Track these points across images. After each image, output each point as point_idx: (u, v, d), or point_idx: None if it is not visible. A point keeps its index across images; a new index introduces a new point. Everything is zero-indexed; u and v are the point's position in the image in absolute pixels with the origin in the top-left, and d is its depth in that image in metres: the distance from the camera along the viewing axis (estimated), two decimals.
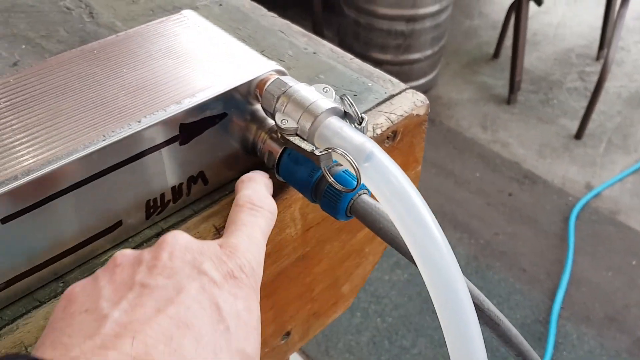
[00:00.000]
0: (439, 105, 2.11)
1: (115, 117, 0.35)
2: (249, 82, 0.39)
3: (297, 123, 0.37)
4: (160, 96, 0.36)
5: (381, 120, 0.48)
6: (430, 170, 1.82)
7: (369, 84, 0.51)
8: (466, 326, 0.35)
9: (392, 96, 0.50)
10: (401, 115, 0.49)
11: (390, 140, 0.49)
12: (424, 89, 2.12)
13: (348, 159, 0.35)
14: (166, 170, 0.37)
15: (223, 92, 0.37)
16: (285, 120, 0.37)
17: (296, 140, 0.37)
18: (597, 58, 2.30)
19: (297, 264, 0.48)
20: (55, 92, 0.36)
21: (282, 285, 0.48)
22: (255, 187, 0.38)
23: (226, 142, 0.40)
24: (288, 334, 0.53)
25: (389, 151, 0.43)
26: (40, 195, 0.32)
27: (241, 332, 0.29)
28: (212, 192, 0.42)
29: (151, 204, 0.38)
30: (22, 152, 0.32)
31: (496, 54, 2.35)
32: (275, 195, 0.42)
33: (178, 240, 0.31)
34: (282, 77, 0.39)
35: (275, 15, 0.61)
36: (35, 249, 0.34)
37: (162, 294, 0.27)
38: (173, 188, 0.39)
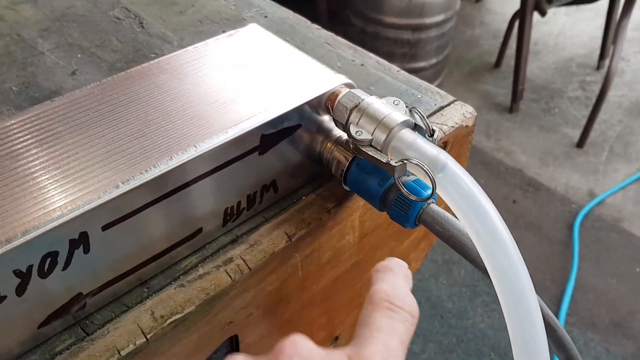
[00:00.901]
0: None
1: (202, 128, 0.36)
2: (322, 95, 0.40)
3: (372, 135, 0.38)
4: (240, 109, 0.38)
5: None
6: None
7: (419, 96, 0.53)
8: (536, 342, 0.36)
9: (442, 107, 0.52)
10: (452, 127, 0.50)
11: None
12: None
13: (424, 169, 0.36)
14: (246, 179, 0.39)
15: (301, 104, 0.39)
16: (360, 132, 0.39)
17: (371, 151, 0.38)
18: (598, 67, 2.34)
19: (352, 270, 0.50)
20: (141, 102, 0.38)
21: (337, 291, 0.50)
22: (394, 281, 0.34)
23: (296, 152, 0.41)
24: (337, 338, 0.55)
25: None
26: (138, 203, 0.33)
27: None
28: (280, 200, 0.43)
29: (228, 211, 0.39)
30: (120, 161, 0.33)
31: (498, 62, 2.38)
32: (341, 203, 0.44)
33: (298, 349, 0.29)
34: (354, 90, 0.41)
35: (320, 27, 0.62)
36: (126, 255, 0.35)
37: None
38: (248, 196, 0.40)
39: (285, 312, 0.45)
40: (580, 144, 1.98)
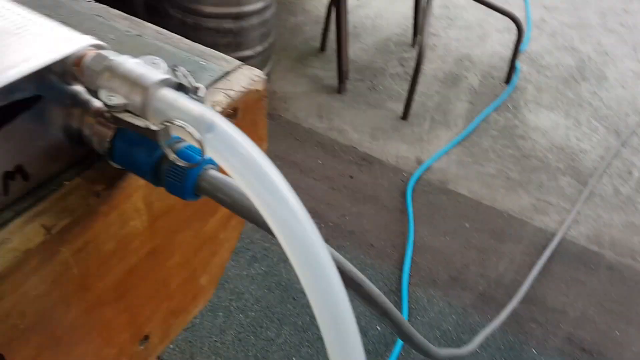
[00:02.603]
0: (275, 100, 2.14)
1: None
2: (64, 60, 0.34)
3: (127, 98, 0.34)
4: None
5: (219, 98, 0.46)
6: (275, 162, 1.83)
7: (202, 63, 0.49)
8: (331, 289, 0.34)
9: (228, 73, 0.49)
10: (239, 91, 0.47)
11: (231, 118, 0.47)
12: None
13: (188, 130, 0.33)
14: None
15: (32, 71, 0.33)
16: (112, 97, 0.34)
17: (127, 117, 0.34)
18: (413, 44, 2.49)
19: (148, 259, 0.45)
20: None
21: (134, 285, 0.45)
22: None
23: (45, 129, 0.35)
24: (146, 337, 0.50)
25: None
26: None
27: None
28: (35, 189, 0.37)
29: None
30: None
31: (322, 47, 2.44)
32: (113, 184, 0.38)
33: None
34: (102, 52, 0.35)
35: (91, 0, 0.56)
36: None
37: None
38: None
39: (66, 318, 0.39)
40: (405, 116, 2.10)
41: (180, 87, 0.36)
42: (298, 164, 1.86)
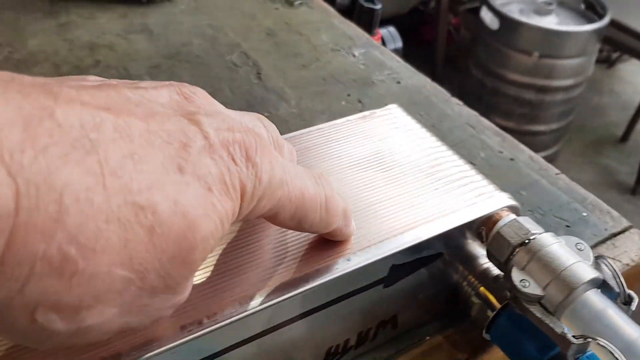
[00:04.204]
0: None
1: (318, 249, 0.27)
2: (477, 219, 0.30)
3: (544, 290, 0.28)
4: (370, 225, 0.29)
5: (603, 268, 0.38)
6: None
7: (584, 214, 0.42)
8: None
9: (614, 235, 0.41)
10: (627, 265, 0.39)
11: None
12: None
13: (616, 356, 0.26)
14: (362, 314, 0.30)
15: (450, 229, 0.29)
16: (527, 282, 0.28)
17: (538, 312, 0.28)
18: None
19: None
20: None
21: None
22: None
23: (428, 283, 0.32)
24: None
25: None
26: (224, 343, 0.25)
27: None
28: (397, 337, 0.33)
29: (332, 350, 0.30)
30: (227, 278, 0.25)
31: (625, 137, 2.16)
32: (476, 354, 0.33)
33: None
34: (520, 219, 0.30)
35: (461, 102, 0.53)
36: None
37: None
38: (359, 333, 0.31)
39: None
40: None
41: (603, 285, 0.29)
42: None
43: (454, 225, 0.29)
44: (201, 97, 0.22)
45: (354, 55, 0.57)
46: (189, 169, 0.19)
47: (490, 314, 0.32)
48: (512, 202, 0.31)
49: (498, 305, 0.31)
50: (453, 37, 2.44)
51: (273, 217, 0.23)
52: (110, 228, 0.17)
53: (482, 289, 0.32)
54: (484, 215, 0.30)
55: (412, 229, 0.29)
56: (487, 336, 0.32)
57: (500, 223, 0.30)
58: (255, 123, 0.24)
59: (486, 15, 1.85)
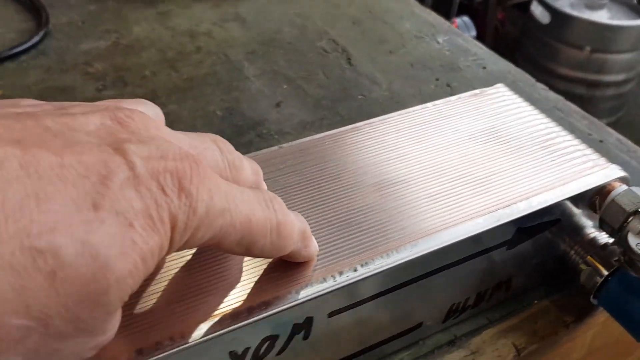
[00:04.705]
0: None
1: (450, 210, 0.30)
2: (592, 188, 0.32)
3: None
4: (494, 190, 0.31)
5: None
6: None
7: None
8: None
9: None
10: None
11: None
12: None
13: None
14: (484, 275, 0.32)
15: (570, 196, 0.31)
16: None
17: None
18: None
19: None
20: (377, 166, 0.32)
21: None
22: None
23: (542, 249, 0.34)
24: None
25: None
26: (370, 291, 0.28)
27: None
28: (507, 300, 0.36)
29: (454, 307, 0.33)
30: (354, 236, 0.28)
31: None
32: (582, 318, 0.35)
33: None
34: (634, 188, 0.32)
35: (546, 87, 0.54)
36: (340, 345, 0.30)
37: None
38: (478, 293, 0.33)
39: None
40: None
41: None
42: None
43: (574, 193, 0.32)
44: (138, 122, 0.21)
45: (438, 42, 0.59)
46: (105, 204, 0.17)
47: (599, 280, 0.34)
48: (624, 174, 0.33)
49: (605, 272, 0.33)
50: (499, 31, 2.42)
51: (217, 245, 0.22)
52: (1, 276, 0.16)
53: (590, 257, 0.34)
54: (600, 185, 0.32)
55: (536, 194, 0.31)
56: (594, 301, 0.34)
57: (615, 192, 0.32)
58: (206, 146, 0.23)
59: (536, 9, 1.84)
